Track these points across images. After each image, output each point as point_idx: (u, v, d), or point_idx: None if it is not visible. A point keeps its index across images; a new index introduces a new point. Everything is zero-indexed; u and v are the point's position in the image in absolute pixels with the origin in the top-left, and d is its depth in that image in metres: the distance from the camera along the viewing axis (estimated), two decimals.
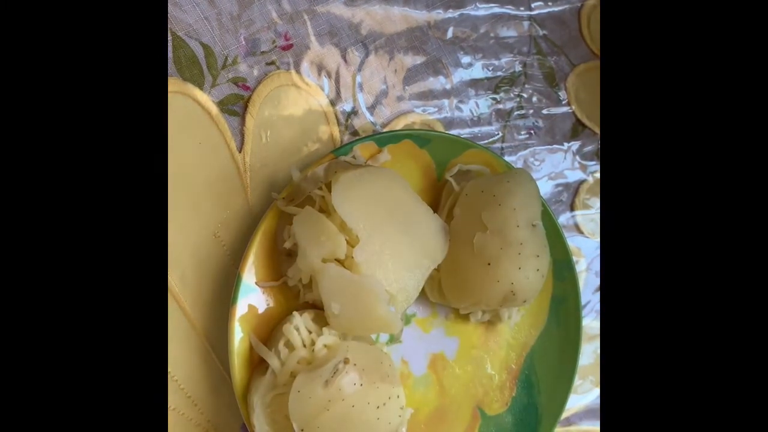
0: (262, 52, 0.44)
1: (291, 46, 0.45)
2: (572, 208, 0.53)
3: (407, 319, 0.46)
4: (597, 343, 0.52)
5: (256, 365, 0.40)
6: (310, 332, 0.39)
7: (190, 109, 0.42)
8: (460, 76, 0.50)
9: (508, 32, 0.52)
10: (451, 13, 0.50)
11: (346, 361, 0.36)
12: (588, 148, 0.54)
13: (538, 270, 0.41)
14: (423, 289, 0.43)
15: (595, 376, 0.52)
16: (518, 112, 0.52)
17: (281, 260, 0.41)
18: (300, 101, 0.45)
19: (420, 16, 0.49)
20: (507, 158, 0.51)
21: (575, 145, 0.54)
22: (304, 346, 0.38)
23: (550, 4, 0.54)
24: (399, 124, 0.48)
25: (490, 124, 0.51)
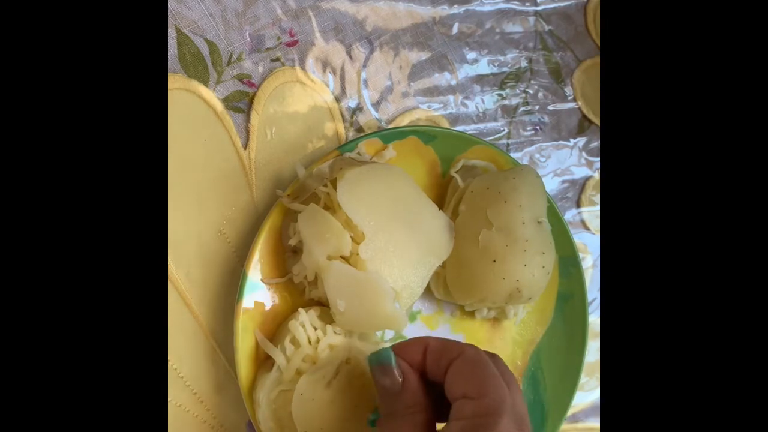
0: (267, 49, 0.44)
1: (296, 42, 0.45)
2: (578, 205, 0.53)
3: (412, 316, 0.46)
4: None
5: (262, 362, 0.40)
6: (315, 329, 0.39)
7: (194, 106, 0.42)
8: (465, 72, 0.50)
9: (513, 28, 0.52)
10: (457, 9, 0.50)
11: (348, 362, 0.36)
12: (594, 144, 0.54)
13: (543, 267, 0.41)
14: (428, 286, 0.43)
15: None
16: (524, 108, 0.52)
17: (286, 257, 0.41)
18: (305, 98, 0.45)
19: (425, 11, 0.49)
20: (513, 154, 0.50)
21: (581, 141, 0.53)
22: (310, 343, 0.38)
23: None
24: (404, 121, 0.48)
25: (495, 120, 0.51)
